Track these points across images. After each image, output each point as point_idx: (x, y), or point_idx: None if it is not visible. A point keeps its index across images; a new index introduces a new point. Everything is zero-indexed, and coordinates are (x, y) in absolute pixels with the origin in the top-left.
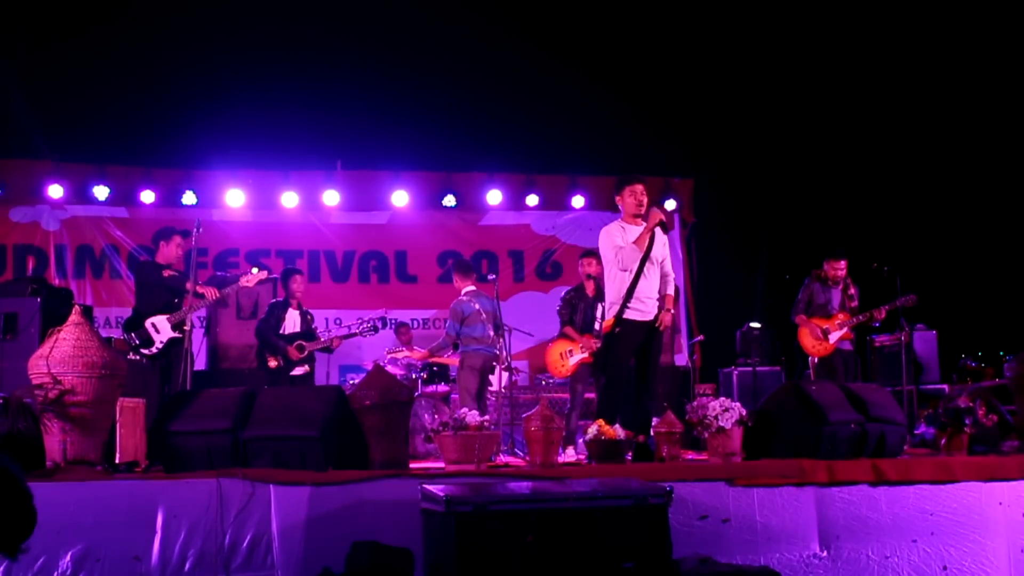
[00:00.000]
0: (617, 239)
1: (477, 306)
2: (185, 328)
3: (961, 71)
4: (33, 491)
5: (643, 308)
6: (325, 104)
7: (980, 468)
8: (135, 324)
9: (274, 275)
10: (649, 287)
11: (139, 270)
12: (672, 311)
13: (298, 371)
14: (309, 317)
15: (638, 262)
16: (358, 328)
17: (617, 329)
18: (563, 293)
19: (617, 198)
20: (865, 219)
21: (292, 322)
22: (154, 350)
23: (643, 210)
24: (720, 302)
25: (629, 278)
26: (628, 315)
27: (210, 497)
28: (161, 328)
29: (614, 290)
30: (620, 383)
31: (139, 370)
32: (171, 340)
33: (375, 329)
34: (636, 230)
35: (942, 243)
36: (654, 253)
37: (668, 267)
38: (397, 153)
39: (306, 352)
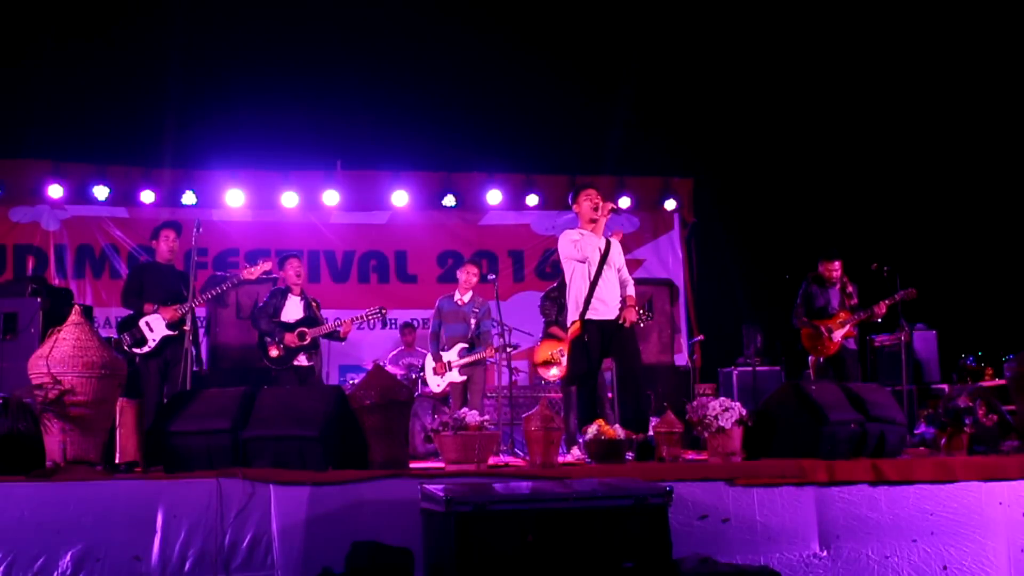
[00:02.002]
0: (574, 236)
1: None
2: (185, 328)
3: (960, 71)
4: (33, 491)
5: (603, 308)
6: (325, 104)
7: (980, 468)
8: (129, 324)
9: (276, 274)
10: (608, 289)
11: (132, 271)
12: (636, 308)
13: (302, 361)
14: (315, 304)
15: (597, 256)
16: (365, 314)
17: (586, 338)
18: (547, 290)
19: (574, 207)
20: (864, 219)
21: (293, 309)
22: (146, 349)
23: (598, 213)
24: (720, 302)
25: (589, 274)
26: (590, 315)
27: (210, 497)
28: (155, 327)
29: (574, 292)
30: (593, 383)
31: (138, 370)
32: (166, 339)
33: (382, 317)
34: (593, 235)
35: (942, 242)
36: (611, 258)
37: (626, 274)
38: (397, 153)
39: (308, 339)
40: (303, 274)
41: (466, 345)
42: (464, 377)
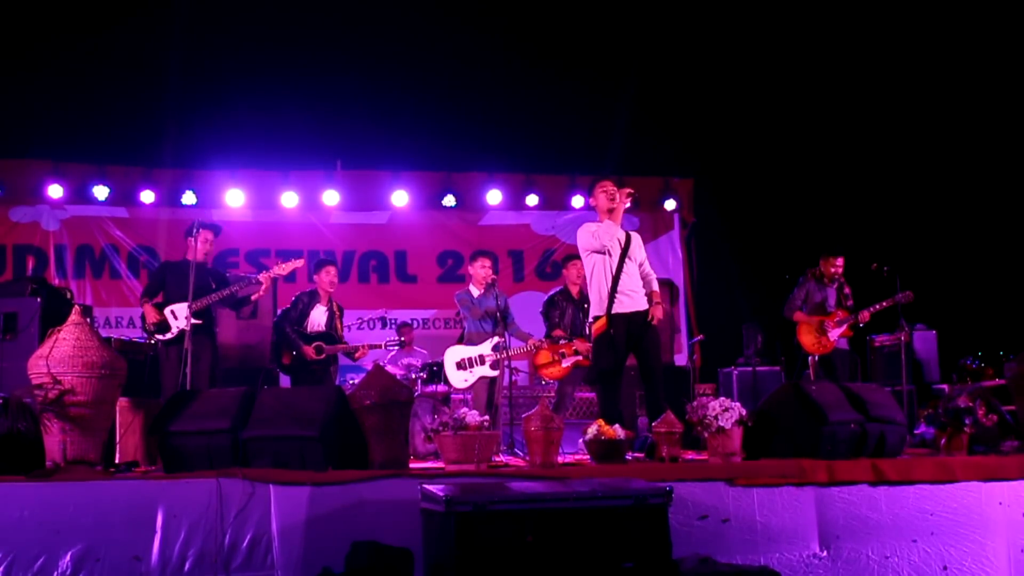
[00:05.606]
0: (591, 227)
1: None
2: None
3: (960, 70)
4: (33, 491)
5: (629, 302)
6: (325, 104)
7: (980, 468)
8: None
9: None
10: (631, 282)
11: (158, 268)
12: (661, 304)
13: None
14: (338, 313)
15: (618, 248)
16: (384, 343)
17: (611, 331)
18: (551, 294)
19: (591, 200)
20: (864, 219)
21: (317, 318)
22: (169, 336)
23: (615, 203)
24: (720, 302)
25: (611, 267)
26: (616, 309)
27: (210, 497)
28: (179, 315)
29: (596, 287)
30: (618, 379)
31: (158, 357)
32: (192, 328)
33: (401, 345)
34: (612, 225)
35: (942, 242)
36: (632, 252)
37: (648, 268)
38: (397, 153)
39: (324, 355)
40: (336, 283)
41: (500, 340)
42: (496, 372)
